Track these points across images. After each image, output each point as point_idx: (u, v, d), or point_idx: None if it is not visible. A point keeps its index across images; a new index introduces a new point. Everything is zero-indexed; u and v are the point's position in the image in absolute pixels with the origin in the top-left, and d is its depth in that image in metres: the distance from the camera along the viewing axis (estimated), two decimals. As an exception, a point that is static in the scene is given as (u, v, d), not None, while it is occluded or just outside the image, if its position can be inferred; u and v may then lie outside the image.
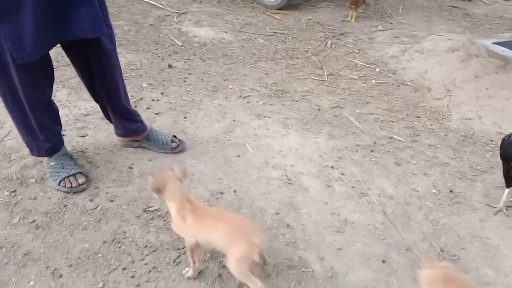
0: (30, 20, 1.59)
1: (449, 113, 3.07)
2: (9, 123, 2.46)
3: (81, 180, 2.02)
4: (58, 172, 2.01)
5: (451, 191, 2.24)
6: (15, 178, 2.05)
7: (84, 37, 1.78)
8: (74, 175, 2.02)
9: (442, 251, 1.86)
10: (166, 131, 2.44)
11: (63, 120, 2.48)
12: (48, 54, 1.84)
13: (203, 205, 1.67)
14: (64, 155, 2.11)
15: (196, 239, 1.52)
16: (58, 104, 2.66)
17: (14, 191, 1.98)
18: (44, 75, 1.86)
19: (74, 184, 2.00)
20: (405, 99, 3.26)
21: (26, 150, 2.24)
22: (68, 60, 3.32)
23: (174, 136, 2.38)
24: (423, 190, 2.24)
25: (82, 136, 2.42)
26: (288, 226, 1.93)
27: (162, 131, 2.39)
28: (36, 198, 1.95)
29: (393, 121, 2.94)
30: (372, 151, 2.57)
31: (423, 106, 3.17)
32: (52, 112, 2.03)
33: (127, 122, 2.25)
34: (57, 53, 3.24)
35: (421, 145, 2.66)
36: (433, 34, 4.31)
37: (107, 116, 2.28)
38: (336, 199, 2.11)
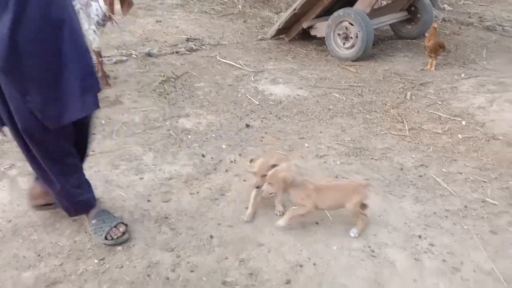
0: None
1: (551, 172, 2.77)
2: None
3: (121, 229, 2.16)
4: (101, 227, 2.16)
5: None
6: (104, 245, 2.16)
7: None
8: (115, 226, 2.16)
9: None
10: None
11: (148, 184, 2.63)
12: None
13: None
14: (103, 210, 2.26)
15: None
16: (144, 168, 2.84)
17: (103, 259, 2.08)
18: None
19: (118, 235, 2.14)
20: (497, 155, 3.01)
21: (114, 217, 2.37)
22: (155, 124, 3.52)
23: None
24: (528, 265, 2.00)
25: (165, 202, 2.51)
26: (373, 306, 1.80)
27: None
28: (122, 266, 2.03)
29: (485, 181, 2.71)
30: (463, 217, 2.37)
31: (520, 163, 2.90)
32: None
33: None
34: (144, 116, 3.49)
35: (521, 210, 2.41)
36: (525, 80, 4.01)
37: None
38: (427, 276, 1.94)
